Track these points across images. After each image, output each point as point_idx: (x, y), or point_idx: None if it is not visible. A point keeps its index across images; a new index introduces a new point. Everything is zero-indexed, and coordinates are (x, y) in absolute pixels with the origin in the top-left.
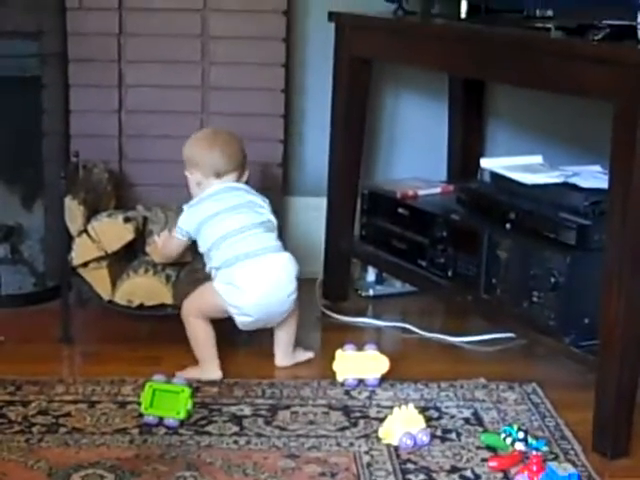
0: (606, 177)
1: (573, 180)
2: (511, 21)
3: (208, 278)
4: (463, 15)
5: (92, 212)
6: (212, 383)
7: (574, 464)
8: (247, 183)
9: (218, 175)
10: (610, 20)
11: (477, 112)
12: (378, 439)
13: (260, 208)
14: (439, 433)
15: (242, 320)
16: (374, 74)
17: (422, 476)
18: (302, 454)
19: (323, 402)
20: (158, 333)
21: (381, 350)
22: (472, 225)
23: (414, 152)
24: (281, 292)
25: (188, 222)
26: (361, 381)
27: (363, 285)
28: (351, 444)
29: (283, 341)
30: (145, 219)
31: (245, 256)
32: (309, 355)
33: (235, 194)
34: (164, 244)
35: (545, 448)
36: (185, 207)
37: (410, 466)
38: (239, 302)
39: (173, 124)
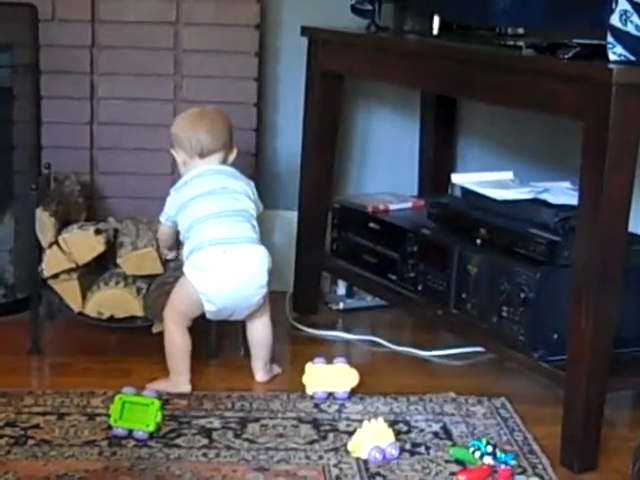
0: (576, 193)
1: (543, 196)
2: (483, 38)
3: None
4: (435, 32)
5: (63, 224)
6: (182, 396)
7: (542, 478)
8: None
9: (202, 155)
10: (580, 39)
11: (449, 128)
12: (347, 452)
13: (238, 194)
14: (408, 447)
15: (208, 308)
16: (346, 89)
17: None
18: (271, 467)
19: (292, 415)
20: (128, 345)
21: (351, 363)
22: (442, 240)
23: (386, 167)
24: (250, 284)
25: (170, 207)
26: (330, 394)
27: (333, 298)
28: (320, 457)
29: (262, 357)
30: (116, 231)
31: (217, 242)
32: (279, 369)
33: (216, 177)
34: (159, 233)
35: (513, 462)
36: (171, 191)
37: None
38: (205, 288)
39: (145, 137)
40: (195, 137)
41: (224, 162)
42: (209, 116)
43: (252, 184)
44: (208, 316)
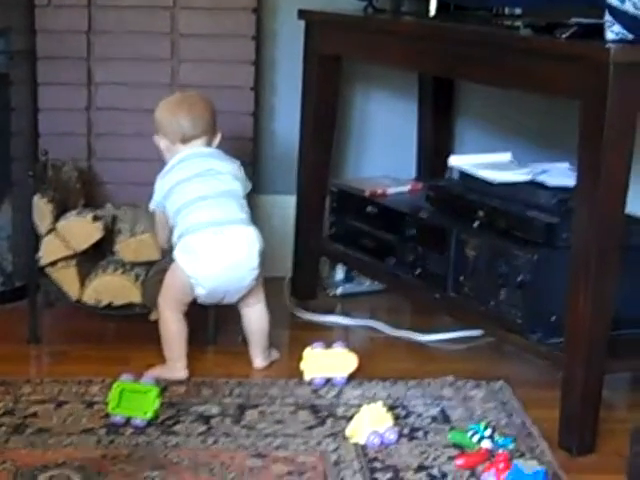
0: (574, 174)
1: (541, 178)
2: (480, 19)
3: None
4: (432, 13)
5: (61, 211)
6: (180, 383)
7: (540, 461)
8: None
9: (184, 140)
10: (578, 18)
11: (446, 110)
12: (345, 438)
13: (223, 175)
14: (406, 431)
15: (199, 292)
16: (344, 72)
17: (389, 474)
18: (270, 453)
19: (291, 401)
20: (126, 333)
21: (349, 348)
22: (440, 223)
23: (383, 150)
24: (241, 266)
25: (158, 193)
26: (329, 380)
27: (332, 283)
28: (319, 443)
29: (259, 343)
30: (114, 218)
31: (206, 225)
32: (277, 354)
33: (200, 160)
34: (155, 221)
35: (512, 446)
36: (157, 178)
37: (377, 465)
38: (195, 271)
39: (142, 122)
40: (176, 122)
41: (208, 147)
42: (190, 101)
43: (238, 162)
44: (199, 300)
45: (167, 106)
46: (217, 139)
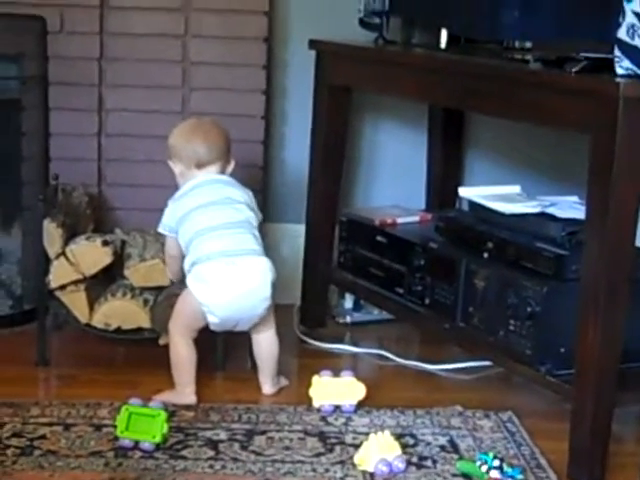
0: (583, 208)
1: (550, 210)
2: (490, 52)
3: None
4: (443, 45)
5: (70, 235)
6: (188, 407)
7: None
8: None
9: (199, 166)
10: (588, 53)
11: (456, 141)
12: (354, 465)
13: (239, 204)
14: (415, 460)
15: (211, 320)
16: (354, 102)
17: None
18: (277, 479)
19: (299, 428)
20: (135, 357)
21: (358, 377)
22: (450, 254)
23: (393, 180)
24: (253, 296)
25: (170, 218)
26: (337, 407)
27: (341, 312)
28: (327, 470)
29: (269, 370)
30: (123, 243)
31: (219, 254)
32: (286, 382)
33: (214, 187)
34: (166, 247)
35: (521, 476)
36: (169, 202)
37: None
38: (208, 300)
39: (153, 149)
40: (191, 148)
41: (221, 174)
42: (205, 127)
43: (251, 193)
44: (212, 327)
45: (182, 131)
46: (231, 166)
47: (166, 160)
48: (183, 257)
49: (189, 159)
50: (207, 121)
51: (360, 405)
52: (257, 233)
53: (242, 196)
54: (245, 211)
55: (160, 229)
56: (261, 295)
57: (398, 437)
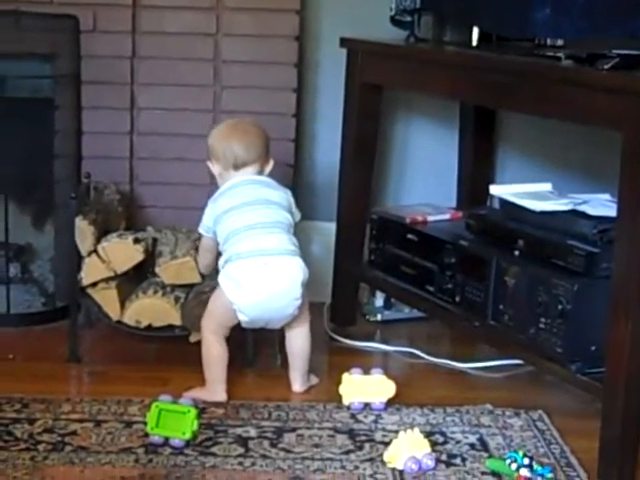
0: (615, 205)
1: (582, 208)
2: (522, 49)
3: None
4: (474, 43)
5: (102, 233)
6: (218, 404)
7: None
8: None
9: (237, 167)
10: (620, 50)
11: (487, 139)
12: (383, 463)
13: (274, 205)
14: (444, 458)
15: (241, 318)
16: (385, 100)
17: None
18: (307, 476)
19: (329, 425)
20: (165, 354)
21: (388, 375)
22: (480, 251)
23: (424, 178)
24: (283, 297)
25: (208, 217)
26: (367, 405)
27: (371, 310)
28: (356, 467)
29: (300, 367)
30: (155, 240)
31: (251, 253)
32: (316, 380)
33: (251, 188)
34: (201, 244)
35: (550, 475)
36: (209, 202)
37: None
38: (237, 298)
39: (184, 147)
40: (229, 149)
41: (260, 174)
42: (243, 128)
43: (289, 192)
44: (243, 325)
45: (221, 132)
46: (269, 166)
47: (197, 158)
48: (218, 255)
49: (226, 160)
50: (246, 121)
51: (390, 403)
52: (292, 233)
53: (278, 196)
54: (280, 211)
55: (199, 229)
56: (291, 296)
57: (428, 435)
